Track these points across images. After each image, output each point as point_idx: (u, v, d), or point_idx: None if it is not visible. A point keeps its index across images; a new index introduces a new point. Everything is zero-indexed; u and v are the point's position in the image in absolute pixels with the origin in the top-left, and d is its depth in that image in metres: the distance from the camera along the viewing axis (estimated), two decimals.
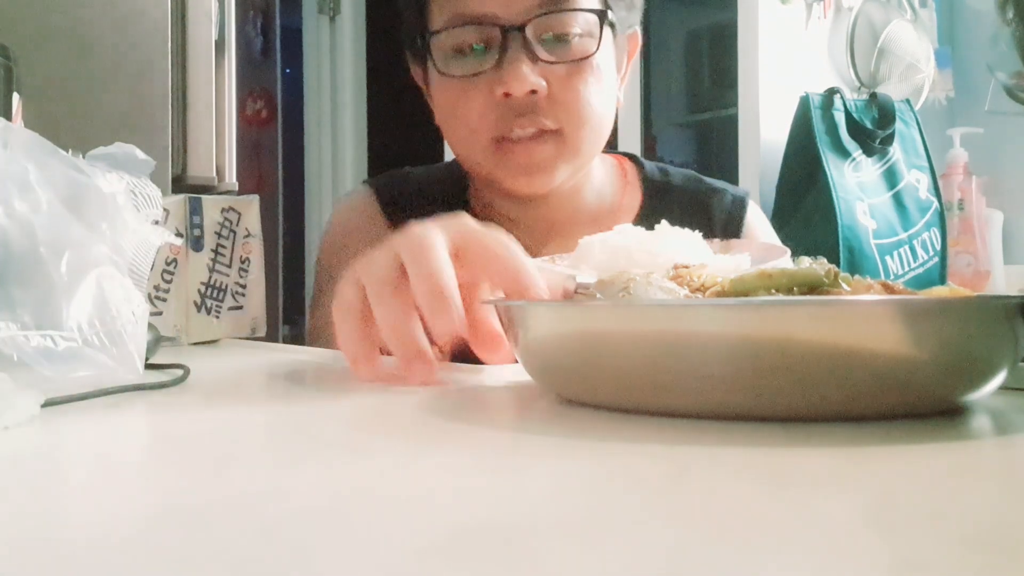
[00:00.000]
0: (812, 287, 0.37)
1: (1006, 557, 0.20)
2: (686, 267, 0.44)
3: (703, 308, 0.35)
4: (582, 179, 0.87)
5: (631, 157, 0.97)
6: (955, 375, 0.35)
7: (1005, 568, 0.19)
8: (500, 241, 0.47)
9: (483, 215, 0.90)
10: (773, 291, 0.37)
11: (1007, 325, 0.35)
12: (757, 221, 0.94)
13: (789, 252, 0.62)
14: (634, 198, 0.92)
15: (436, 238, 0.46)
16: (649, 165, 0.95)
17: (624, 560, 0.19)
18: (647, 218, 0.90)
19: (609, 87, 0.81)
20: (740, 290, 0.38)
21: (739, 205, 0.93)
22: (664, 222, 0.61)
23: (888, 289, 0.38)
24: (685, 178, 0.95)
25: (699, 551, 0.20)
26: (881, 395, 0.34)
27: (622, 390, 0.36)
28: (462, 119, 0.79)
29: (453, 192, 0.92)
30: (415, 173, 0.99)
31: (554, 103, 0.77)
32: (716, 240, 0.63)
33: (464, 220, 0.49)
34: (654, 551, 0.20)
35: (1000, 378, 0.36)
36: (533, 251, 0.64)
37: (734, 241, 0.64)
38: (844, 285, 0.38)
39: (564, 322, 0.38)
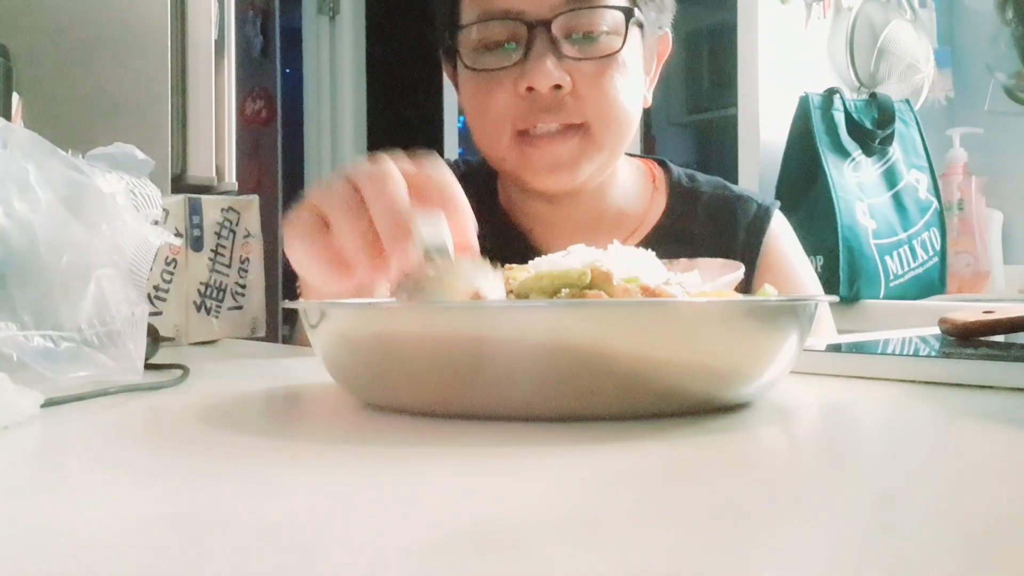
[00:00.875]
0: (572, 288, 0.38)
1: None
2: (511, 268, 0.44)
3: (453, 311, 0.36)
4: (608, 179, 0.87)
5: (660, 162, 0.97)
6: (702, 375, 0.35)
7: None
8: (439, 171, 0.48)
9: (510, 213, 0.91)
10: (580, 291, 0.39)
11: (762, 325, 0.36)
12: (781, 230, 0.93)
13: (743, 268, 0.62)
14: (660, 202, 0.92)
15: (391, 168, 0.47)
16: (677, 170, 0.95)
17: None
18: (671, 223, 0.90)
19: (635, 85, 0.81)
20: (521, 292, 0.39)
21: (764, 214, 0.92)
22: (616, 242, 0.62)
23: (648, 293, 0.39)
24: (712, 185, 0.95)
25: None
26: (634, 394, 0.34)
27: (407, 394, 0.37)
28: (487, 113, 0.80)
29: (482, 190, 0.92)
30: (451, 167, 0.99)
31: (579, 100, 0.77)
32: (682, 260, 0.63)
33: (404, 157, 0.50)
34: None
35: (772, 376, 0.37)
36: (559, 250, 0.65)
37: (696, 260, 0.65)
38: (626, 285, 0.39)
39: (355, 325, 0.38)
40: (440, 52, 0.88)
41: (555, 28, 0.76)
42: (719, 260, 0.69)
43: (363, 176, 0.47)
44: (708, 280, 0.59)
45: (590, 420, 0.35)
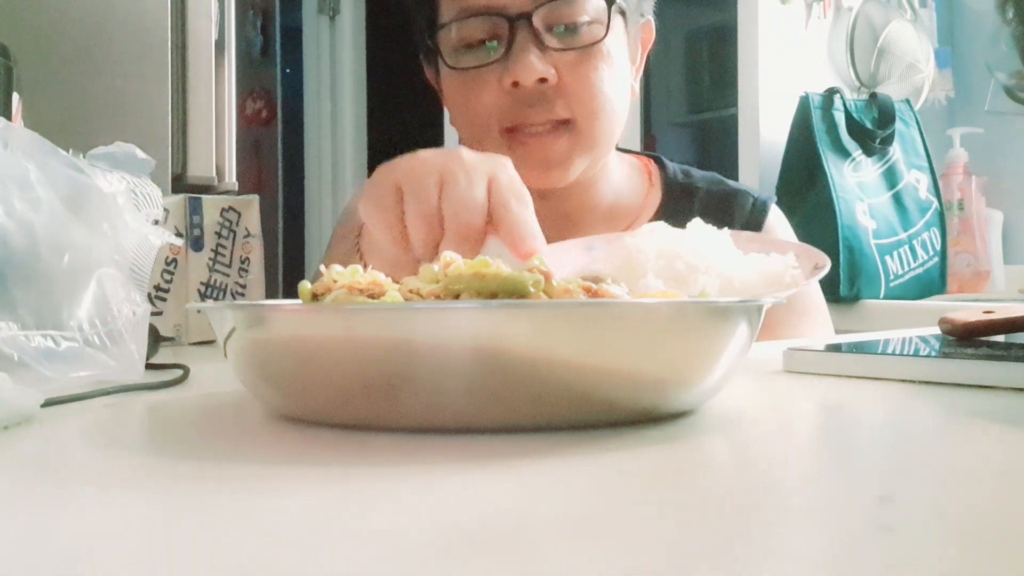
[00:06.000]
0: (517, 293, 0.35)
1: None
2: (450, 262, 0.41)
3: (379, 312, 0.32)
4: (598, 173, 0.87)
5: (655, 158, 0.97)
6: (641, 382, 0.33)
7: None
8: (520, 198, 0.51)
9: None
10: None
11: (703, 328, 0.34)
12: (778, 225, 0.93)
13: (829, 263, 0.61)
14: (655, 198, 0.92)
15: (478, 188, 0.51)
16: (672, 167, 0.95)
17: None
18: (667, 218, 0.90)
19: (621, 75, 0.81)
20: (452, 289, 0.36)
21: (760, 209, 0.92)
22: (697, 219, 0.62)
23: (592, 295, 0.36)
24: (708, 181, 0.95)
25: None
26: (573, 403, 0.32)
27: (328, 403, 0.34)
28: (472, 111, 0.79)
29: None
30: None
31: (564, 92, 0.77)
32: (742, 232, 0.62)
33: (502, 163, 0.53)
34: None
35: (714, 381, 0.35)
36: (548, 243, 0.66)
37: (771, 239, 0.63)
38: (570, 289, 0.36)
39: (271, 328, 0.35)
40: (421, 56, 0.87)
41: (536, 20, 0.75)
42: (810, 248, 0.67)
43: (452, 180, 0.51)
44: (804, 268, 0.59)
45: (534, 431, 0.32)
